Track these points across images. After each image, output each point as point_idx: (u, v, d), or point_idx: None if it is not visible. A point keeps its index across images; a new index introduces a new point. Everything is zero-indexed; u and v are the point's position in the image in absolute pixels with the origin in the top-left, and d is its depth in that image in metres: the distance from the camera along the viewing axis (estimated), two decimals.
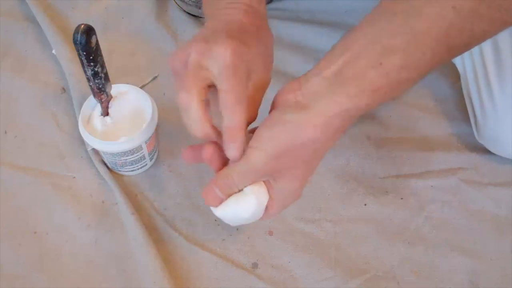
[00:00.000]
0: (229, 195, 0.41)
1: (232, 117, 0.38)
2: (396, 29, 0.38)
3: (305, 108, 0.38)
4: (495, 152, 0.59)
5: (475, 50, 0.57)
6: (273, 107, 0.41)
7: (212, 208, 0.42)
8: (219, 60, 0.37)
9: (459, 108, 0.64)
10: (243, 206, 0.41)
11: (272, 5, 0.77)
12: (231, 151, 0.39)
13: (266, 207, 0.43)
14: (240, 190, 0.41)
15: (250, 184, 0.41)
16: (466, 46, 0.39)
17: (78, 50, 0.44)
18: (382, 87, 0.37)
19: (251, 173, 0.40)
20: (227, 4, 0.43)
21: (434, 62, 0.38)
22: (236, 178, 0.40)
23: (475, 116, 0.59)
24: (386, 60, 0.37)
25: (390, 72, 0.37)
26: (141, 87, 0.64)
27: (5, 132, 0.62)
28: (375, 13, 0.40)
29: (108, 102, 0.53)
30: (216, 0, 0.44)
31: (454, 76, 0.64)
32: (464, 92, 0.62)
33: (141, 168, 0.58)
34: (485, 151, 0.60)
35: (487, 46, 0.55)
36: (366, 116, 0.64)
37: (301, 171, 0.41)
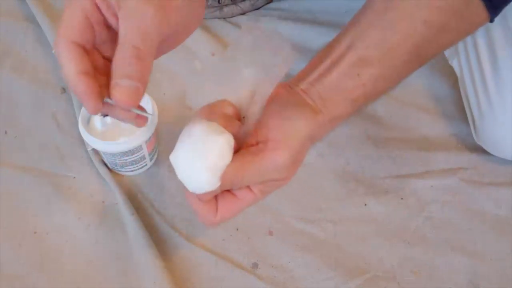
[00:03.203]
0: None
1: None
2: (372, 41, 0.39)
3: (317, 111, 0.40)
4: (494, 154, 0.59)
5: (472, 53, 0.57)
6: (274, 99, 0.41)
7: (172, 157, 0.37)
8: None
9: (459, 108, 0.64)
10: (208, 147, 0.35)
11: (272, 5, 0.77)
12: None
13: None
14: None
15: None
16: (433, 56, 0.42)
17: None
18: (359, 96, 0.40)
19: (272, 173, 0.37)
20: None
21: (405, 73, 0.41)
22: (248, 178, 0.37)
23: (473, 118, 0.59)
24: (363, 71, 0.39)
25: (367, 82, 0.39)
26: None
27: (5, 132, 0.62)
28: (357, 18, 0.41)
29: None
30: None
31: (454, 77, 0.64)
32: (462, 94, 0.62)
33: (141, 168, 0.58)
34: (485, 151, 0.60)
35: (483, 49, 0.56)
36: (366, 116, 0.64)
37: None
